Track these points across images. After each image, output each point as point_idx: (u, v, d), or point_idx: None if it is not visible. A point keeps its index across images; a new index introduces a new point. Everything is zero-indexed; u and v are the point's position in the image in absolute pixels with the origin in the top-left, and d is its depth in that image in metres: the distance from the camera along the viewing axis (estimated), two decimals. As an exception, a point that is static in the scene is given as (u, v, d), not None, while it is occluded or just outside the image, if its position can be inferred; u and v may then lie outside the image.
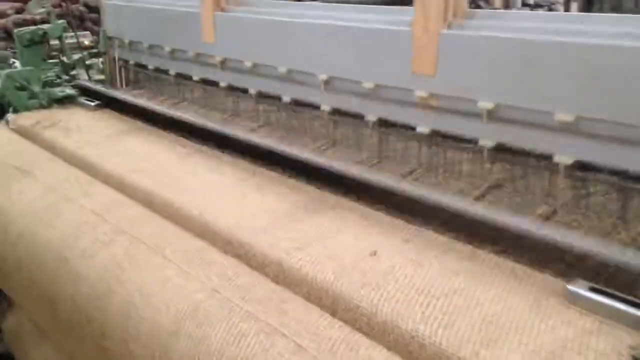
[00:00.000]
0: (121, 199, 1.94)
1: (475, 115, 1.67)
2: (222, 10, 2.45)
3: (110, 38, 3.26)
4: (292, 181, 1.87)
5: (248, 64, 2.37)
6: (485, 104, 1.65)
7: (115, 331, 1.49)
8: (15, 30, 3.23)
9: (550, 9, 10.77)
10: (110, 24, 3.26)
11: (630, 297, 1.15)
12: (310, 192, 1.79)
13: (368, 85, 1.94)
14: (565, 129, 1.51)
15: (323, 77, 2.08)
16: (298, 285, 1.39)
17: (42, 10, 3.35)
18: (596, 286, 1.21)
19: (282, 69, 2.24)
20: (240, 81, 2.47)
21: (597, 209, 1.54)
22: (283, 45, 2.20)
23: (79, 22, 6.78)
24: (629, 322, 1.11)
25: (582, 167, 1.53)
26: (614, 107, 1.40)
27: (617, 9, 9.89)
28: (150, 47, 2.96)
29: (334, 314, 1.29)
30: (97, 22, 5.48)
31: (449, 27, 1.70)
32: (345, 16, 2.05)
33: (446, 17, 1.69)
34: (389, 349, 1.18)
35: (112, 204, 1.90)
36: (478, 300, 1.21)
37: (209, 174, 1.98)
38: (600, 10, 10.17)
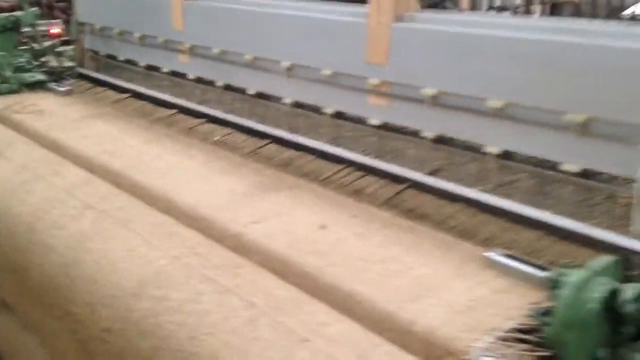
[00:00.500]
0: (90, 178, 2.07)
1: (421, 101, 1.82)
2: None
3: (82, 24, 3.32)
4: (254, 165, 2.03)
5: (216, 50, 2.48)
6: (428, 90, 1.78)
7: (81, 295, 1.63)
8: (-13, 17, 3.30)
9: (515, 13, 10.97)
10: (81, 9, 3.33)
11: (537, 262, 1.33)
12: (271, 174, 1.94)
13: (326, 72, 2.07)
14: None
15: (286, 64, 2.21)
16: (254, 254, 1.54)
17: (13, -3, 3.43)
18: (510, 253, 1.39)
19: (248, 57, 2.34)
20: (207, 69, 2.58)
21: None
22: (249, 34, 2.32)
23: (47, 11, 6.78)
24: (535, 283, 1.25)
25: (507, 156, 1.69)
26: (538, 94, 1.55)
27: (575, 14, 10.19)
28: (121, 33, 3.04)
29: (285, 279, 1.45)
30: (65, 11, 5.52)
31: (400, 20, 1.85)
32: (309, 7, 2.18)
33: (397, 11, 1.85)
34: (331, 306, 1.34)
35: (81, 182, 2.04)
36: (410, 265, 1.39)
37: (174, 157, 2.12)
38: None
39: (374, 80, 1.91)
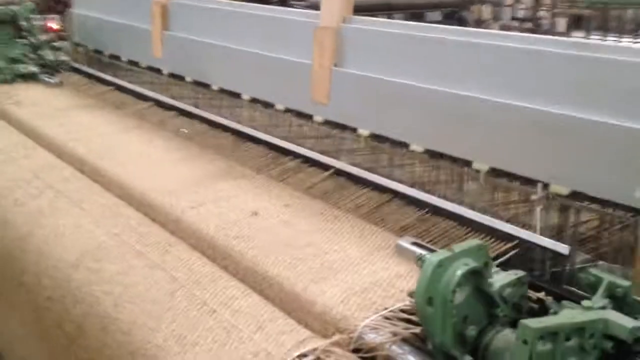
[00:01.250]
0: (56, 162, 2.22)
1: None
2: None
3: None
4: (211, 156, 2.17)
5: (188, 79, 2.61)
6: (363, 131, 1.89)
7: (30, 266, 1.76)
8: (-15, 10, 3.47)
9: (538, 25, 10.97)
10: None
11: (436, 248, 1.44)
12: (224, 165, 2.08)
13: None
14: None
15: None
16: (189, 236, 1.68)
17: (11, -10, 3.59)
18: (418, 241, 1.51)
19: (215, 87, 2.47)
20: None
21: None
22: (216, 65, 2.44)
23: (53, 4, 6.94)
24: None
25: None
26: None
27: (602, 28, 10.14)
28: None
29: (213, 260, 1.57)
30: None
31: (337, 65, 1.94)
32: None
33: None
34: (250, 287, 1.45)
35: (48, 166, 2.19)
36: (324, 250, 1.51)
37: (140, 146, 2.27)
38: (588, 28, 10.45)
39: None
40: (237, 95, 2.38)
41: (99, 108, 2.78)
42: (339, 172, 1.92)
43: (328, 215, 1.72)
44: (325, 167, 1.96)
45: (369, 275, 1.40)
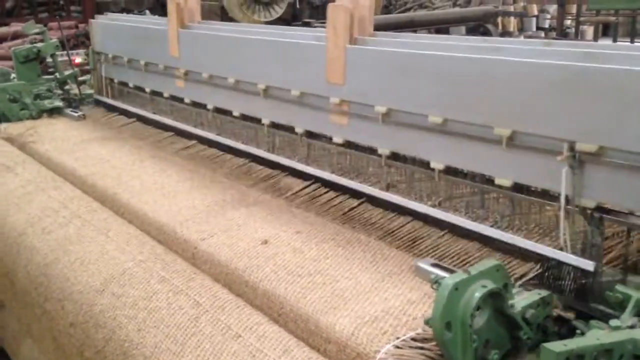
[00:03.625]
0: (83, 194, 2.24)
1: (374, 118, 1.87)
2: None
3: (98, 53, 3.54)
4: (223, 181, 2.17)
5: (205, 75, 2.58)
6: (380, 108, 1.83)
7: (54, 293, 1.75)
8: (13, 49, 3.57)
9: (565, 34, 10.83)
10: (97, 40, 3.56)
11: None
12: (235, 192, 2.06)
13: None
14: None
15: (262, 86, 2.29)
16: (205, 266, 1.66)
17: (37, 30, 3.68)
18: (437, 262, 1.46)
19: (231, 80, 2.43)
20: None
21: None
22: (231, 58, 2.42)
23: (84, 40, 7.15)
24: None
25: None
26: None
27: (631, 34, 9.93)
28: (129, 61, 3.22)
29: (230, 289, 1.55)
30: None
31: (354, 43, 1.91)
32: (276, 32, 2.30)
33: (352, 35, 1.92)
34: (264, 313, 1.44)
35: (75, 196, 2.21)
36: (335, 278, 1.46)
37: (152, 177, 2.26)
38: (615, 36, 10.27)
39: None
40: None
41: (114, 140, 2.79)
42: (355, 194, 1.88)
43: (340, 240, 1.66)
44: (342, 189, 1.93)
45: (380, 303, 1.34)
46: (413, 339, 1.18)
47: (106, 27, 3.42)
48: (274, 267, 1.54)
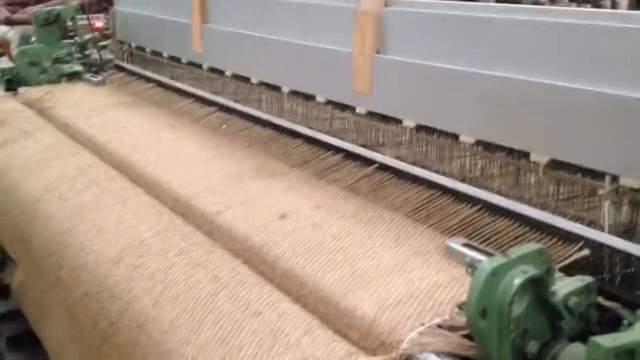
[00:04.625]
0: (101, 161, 2.18)
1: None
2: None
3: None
4: (242, 152, 2.07)
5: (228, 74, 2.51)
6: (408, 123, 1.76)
7: (69, 261, 1.69)
8: (32, 12, 3.49)
9: (598, 5, 10.42)
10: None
11: (493, 252, 1.29)
12: (254, 162, 1.96)
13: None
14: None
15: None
16: (223, 240, 1.58)
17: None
18: (470, 242, 1.36)
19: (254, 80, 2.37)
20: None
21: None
22: (256, 57, 2.34)
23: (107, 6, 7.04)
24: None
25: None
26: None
27: None
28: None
29: (249, 264, 1.47)
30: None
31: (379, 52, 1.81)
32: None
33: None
34: (284, 292, 1.34)
35: (94, 164, 2.14)
36: (356, 257, 1.36)
37: (169, 145, 2.19)
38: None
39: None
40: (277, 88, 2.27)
41: (133, 105, 2.72)
42: (380, 167, 1.78)
43: (362, 216, 1.56)
44: (366, 161, 1.82)
45: (404, 285, 1.25)
46: (439, 326, 1.09)
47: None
48: (292, 243, 1.45)
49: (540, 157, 1.42)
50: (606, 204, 1.29)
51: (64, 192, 1.95)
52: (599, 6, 10.24)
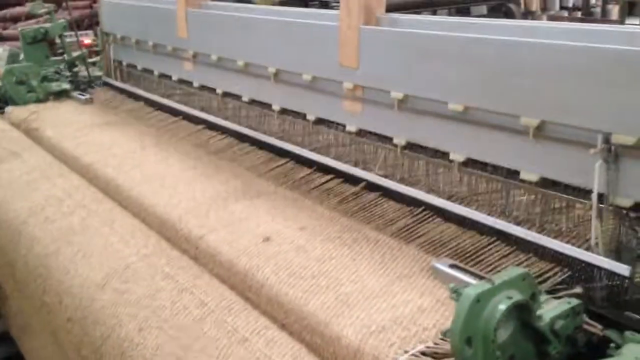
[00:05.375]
0: (89, 183, 2.15)
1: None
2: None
3: (106, 34, 3.42)
4: (227, 171, 2.03)
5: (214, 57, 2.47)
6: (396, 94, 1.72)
7: (53, 286, 1.66)
8: (20, 29, 3.46)
9: (589, 13, 10.46)
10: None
11: (480, 273, 1.27)
12: (239, 182, 1.93)
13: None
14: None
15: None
16: (207, 264, 1.56)
17: (44, 10, 3.56)
18: (456, 263, 1.33)
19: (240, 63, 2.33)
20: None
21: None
22: (241, 40, 2.31)
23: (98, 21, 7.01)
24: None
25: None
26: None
27: None
28: (137, 42, 3.10)
29: (234, 289, 1.45)
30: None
31: (367, 24, 1.77)
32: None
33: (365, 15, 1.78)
34: (269, 319, 1.33)
35: (81, 185, 2.11)
36: (340, 281, 1.33)
37: (154, 166, 2.15)
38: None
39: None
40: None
41: (117, 125, 2.68)
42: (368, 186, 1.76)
43: (346, 239, 1.52)
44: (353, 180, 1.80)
45: (387, 311, 1.22)
46: (423, 353, 1.07)
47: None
48: (274, 267, 1.41)
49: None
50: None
51: (50, 214, 1.92)
52: (591, 14, 10.27)
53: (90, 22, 7.12)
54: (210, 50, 2.49)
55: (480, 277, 1.23)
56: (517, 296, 0.96)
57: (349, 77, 1.85)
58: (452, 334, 0.94)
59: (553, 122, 1.33)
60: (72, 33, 3.63)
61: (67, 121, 2.77)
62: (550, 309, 1.03)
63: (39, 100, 3.15)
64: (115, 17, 3.32)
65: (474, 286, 0.96)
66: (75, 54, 3.50)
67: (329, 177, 1.87)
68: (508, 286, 0.96)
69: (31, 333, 2.23)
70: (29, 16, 7.29)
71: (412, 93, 1.68)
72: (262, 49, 2.20)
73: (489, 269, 1.32)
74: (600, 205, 1.22)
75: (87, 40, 3.84)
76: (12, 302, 2.44)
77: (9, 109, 3.10)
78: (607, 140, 1.20)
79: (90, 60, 3.66)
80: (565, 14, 9.99)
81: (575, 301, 1.06)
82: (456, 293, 0.96)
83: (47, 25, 3.41)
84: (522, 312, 0.98)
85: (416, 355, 1.08)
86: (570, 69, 1.27)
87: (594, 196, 1.24)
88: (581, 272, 1.22)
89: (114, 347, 1.39)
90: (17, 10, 7.64)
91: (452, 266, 1.32)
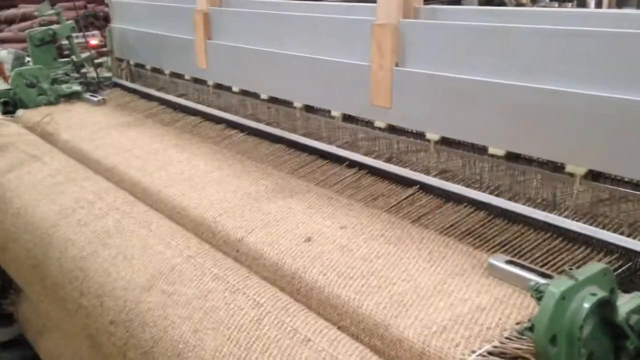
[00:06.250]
0: (114, 185, 2.10)
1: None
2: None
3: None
4: (255, 173, 1.99)
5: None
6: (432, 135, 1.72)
7: (92, 288, 1.62)
8: (27, 31, 3.39)
9: (582, 4, 10.39)
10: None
11: (537, 269, 1.24)
12: (270, 182, 1.89)
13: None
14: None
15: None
16: (250, 265, 1.53)
17: (52, 11, 3.50)
18: (512, 259, 1.31)
19: (264, 96, 2.32)
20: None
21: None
22: (264, 73, 2.28)
23: (103, 23, 6.95)
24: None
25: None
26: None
27: None
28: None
29: (281, 290, 1.41)
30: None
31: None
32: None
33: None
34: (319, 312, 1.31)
35: (110, 188, 2.06)
36: (391, 281, 1.30)
37: (177, 167, 2.11)
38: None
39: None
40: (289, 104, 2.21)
41: (134, 126, 2.63)
42: (401, 181, 1.73)
43: (390, 237, 1.49)
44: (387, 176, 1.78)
45: (445, 310, 1.18)
46: (490, 353, 1.04)
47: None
48: (322, 268, 1.38)
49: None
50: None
51: (82, 217, 1.87)
52: (584, 5, 10.22)
53: (85, 22, 7.04)
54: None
55: (540, 273, 1.21)
56: (600, 292, 0.94)
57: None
58: (537, 333, 0.92)
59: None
60: (80, 34, 3.56)
61: (82, 123, 2.72)
62: (624, 304, 1.02)
63: (50, 103, 3.09)
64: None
65: (556, 283, 0.94)
66: (83, 55, 3.45)
67: (361, 173, 1.85)
68: (590, 282, 0.95)
69: (57, 336, 2.18)
70: (25, 17, 7.20)
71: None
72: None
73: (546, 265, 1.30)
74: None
75: (94, 41, 3.77)
76: (32, 306, 2.39)
77: (20, 112, 3.03)
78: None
79: (97, 61, 3.60)
80: (555, 5, 9.95)
81: (646, 294, 1.04)
82: (537, 291, 0.94)
83: (55, 26, 3.34)
84: (603, 308, 0.96)
85: (484, 355, 1.05)
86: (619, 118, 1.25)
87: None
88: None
89: (167, 348, 1.35)
90: (12, 12, 7.52)
91: (508, 262, 1.30)
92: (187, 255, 1.53)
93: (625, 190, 1.34)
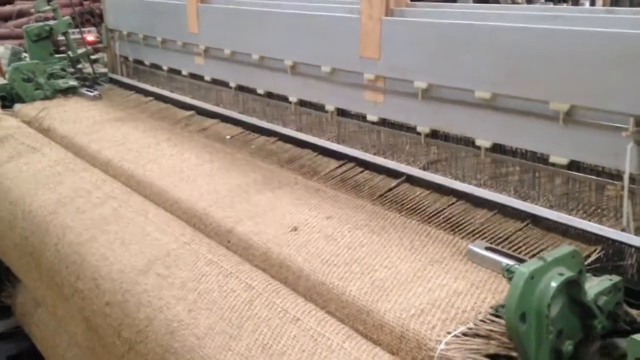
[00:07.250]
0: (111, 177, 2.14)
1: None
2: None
3: (111, 30, 3.39)
4: (244, 166, 2.03)
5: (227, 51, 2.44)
6: (420, 84, 1.71)
7: (88, 272, 1.65)
8: (24, 26, 3.41)
9: (575, 3, 10.40)
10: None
11: (516, 255, 1.29)
12: (259, 175, 1.93)
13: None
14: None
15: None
16: (240, 254, 1.56)
17: (48, 7, 3.51)
18: (492, 246, 1.35)
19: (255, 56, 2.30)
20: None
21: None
22: (255, 33, 2.29)
23: (99, 20, 6.93)
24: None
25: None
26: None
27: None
28: (145, 37, 3.06)
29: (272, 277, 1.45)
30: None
31: (390, 14, 1.76)
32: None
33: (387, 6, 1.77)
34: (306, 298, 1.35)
35: (107, 179, 2.11)
36: (373, 268, 1.35)
37: (169, 160, 2.15)
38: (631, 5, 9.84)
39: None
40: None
41: (128, 121, 2.66)
42: (391, 173, 1.77)
43: (374, 227, 1.53)
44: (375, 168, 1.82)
45: (424, 294, 1.23)
46: (464, 334, 1.08)
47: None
48: (307, 256, 1.42)
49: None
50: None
51: (80, 205, 1.91)
52: (577, 1, 10.21)
53: (82, 19, 7.03)
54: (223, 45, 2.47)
55: (517, 259, 1.25)
56: (567, 273, 0.99)
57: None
58: (508, 310, 0.97)
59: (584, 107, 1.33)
60: (76, 30, 3.58)
61: (77, 117, 2.75)
62: (593, 286, 1.06)
63: (46, 98, 3.12)
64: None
65: (527, 264, 0.99)
66: (79, 51, 3.47)
67: (349, 166, 1.89)
68: (558, 263, 0.99)
69: (53, 325, 2.21)
70: (21, 14, 7.19)
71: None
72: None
73: (526, 251, 1.34)
74: (632, 186, 1.25)
75: (90, 37, 3.79)
76: (29, 297, 2.42)
77: (16, 106, 3.06)
78: (638, 123, 1.23)
79: (93, 57, 3.62)
80: (551, 4, 9.96)
81: (616, 278, 1.09)
82: (509, 271, 0.99)
83: (52, 22, 3.36)
84: (572, 288, 1.01)
85: (458, 336, 1.09)
86: (600, 54, 1.28)
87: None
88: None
89: (161, 327, 1.38)
90: (7, 8, 7.51)
91: (487, 248, 1.34)
92: (182, 242, 1.58)
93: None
